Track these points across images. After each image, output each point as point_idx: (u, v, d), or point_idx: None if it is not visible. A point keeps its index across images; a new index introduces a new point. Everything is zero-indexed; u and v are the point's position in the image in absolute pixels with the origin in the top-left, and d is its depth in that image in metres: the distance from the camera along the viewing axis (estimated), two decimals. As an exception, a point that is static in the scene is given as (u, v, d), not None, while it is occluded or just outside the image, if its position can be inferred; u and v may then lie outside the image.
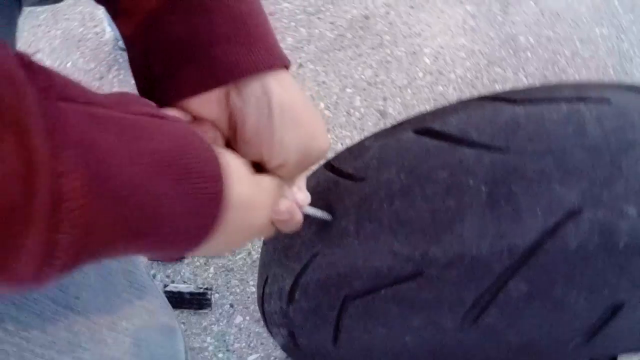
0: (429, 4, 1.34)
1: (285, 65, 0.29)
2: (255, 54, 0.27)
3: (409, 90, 1.23)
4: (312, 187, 0.51)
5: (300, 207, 0.37)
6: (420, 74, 1.25)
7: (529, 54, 1.26)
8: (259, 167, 0.33)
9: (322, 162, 0.47)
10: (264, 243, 0.59)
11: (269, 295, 0.53)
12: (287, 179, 0.35)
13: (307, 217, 0.49)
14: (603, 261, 0.36)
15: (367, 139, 0.50)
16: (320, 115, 0.33)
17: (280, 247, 0.52)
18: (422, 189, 0.40)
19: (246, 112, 0.28)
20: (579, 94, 0.41)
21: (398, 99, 1.23)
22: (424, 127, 0.44)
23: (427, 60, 1.26)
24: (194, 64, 0.27)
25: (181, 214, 0.22)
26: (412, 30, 1.30)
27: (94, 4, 0.31)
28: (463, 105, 0.45)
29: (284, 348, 0.56)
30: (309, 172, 0.39)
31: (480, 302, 0.37)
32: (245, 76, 0.27)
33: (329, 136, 0.31)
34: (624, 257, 0.36)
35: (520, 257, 0.36)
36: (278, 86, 0.28)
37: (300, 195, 0.36)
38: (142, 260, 1.02)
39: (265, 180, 0.31)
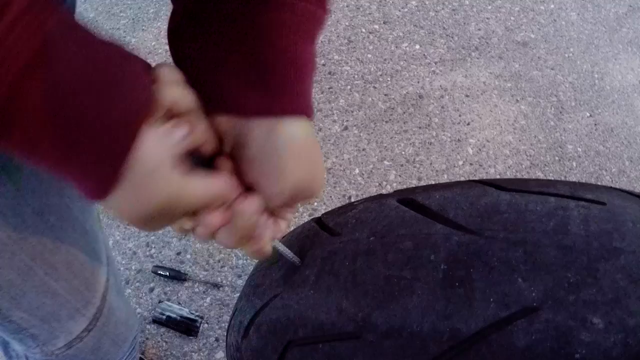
0: (484, 96, 1.36)
1: (305, 114, 0.30)
2: (274, 98, 0.29)
3: (445, 176, 1.23)
4: (297, 233, 0.53)
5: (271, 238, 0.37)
6: (460, 162, 1.25)
7: (574, 164, 1.24)
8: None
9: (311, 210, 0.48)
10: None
11: (232, 327, 0.54)
12: (271, 208, 0.34)
13: (281, 257, 0.50)
14: (552, 371, 0.34)
15: (358, 200, 0.51)
16: (322, 159, 0.34)
17: (254, 283, 0.52)
18: (385, 254, 0.40)
19: (251, 140, 0.30)
20: (574, 193, 0.40)
21: (432, 182, 1.23)
22: (408, 197, 0.45)
23: (470, 150, 1.27)
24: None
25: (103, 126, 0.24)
26: (462, 118, 1.32)
27: None
28: (455, 184, 0.46)
29: (235, 386, 0.55)
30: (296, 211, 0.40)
31: (410, 382, 0.36)
32: (256, 116, 0.29)
33: (325, 177, 0.32)
34: (578, 372, 0.33)
35: (460, 344, 0.35)
36: (290, 129, 0.30)
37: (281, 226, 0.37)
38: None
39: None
